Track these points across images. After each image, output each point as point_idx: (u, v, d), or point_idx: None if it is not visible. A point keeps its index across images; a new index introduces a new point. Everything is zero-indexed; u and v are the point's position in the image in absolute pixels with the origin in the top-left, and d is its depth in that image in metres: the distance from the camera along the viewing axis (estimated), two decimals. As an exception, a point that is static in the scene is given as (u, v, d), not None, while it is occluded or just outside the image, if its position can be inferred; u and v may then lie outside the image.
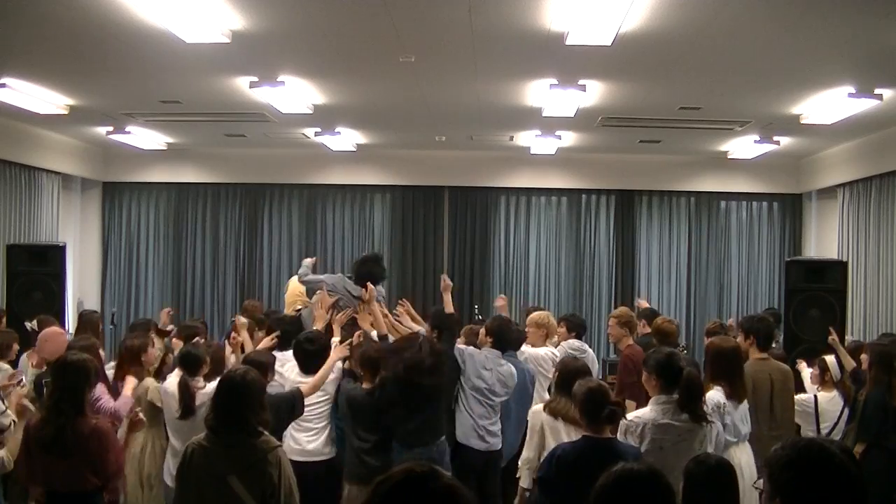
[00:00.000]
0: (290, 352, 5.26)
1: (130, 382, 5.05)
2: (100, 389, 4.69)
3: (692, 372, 4.11)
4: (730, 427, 4.46)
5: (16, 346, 5.79)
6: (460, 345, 5.59)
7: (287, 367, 5.15)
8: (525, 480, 4.42)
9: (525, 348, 6.15)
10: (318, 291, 5.99)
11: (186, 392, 4.66)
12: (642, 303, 8.31)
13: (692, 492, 3.04)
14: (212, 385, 4.45)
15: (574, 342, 6.43)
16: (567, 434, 4.28)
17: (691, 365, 4.61)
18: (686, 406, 3.98)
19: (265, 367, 4.55)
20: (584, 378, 4.08)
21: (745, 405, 4.68)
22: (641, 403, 5.96)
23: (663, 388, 4.05)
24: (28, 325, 6.45)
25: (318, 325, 5.62)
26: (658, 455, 3.86)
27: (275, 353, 5.24)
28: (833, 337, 6.35)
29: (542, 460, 3.94)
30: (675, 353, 4.22)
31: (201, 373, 4.86)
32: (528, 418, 4.68)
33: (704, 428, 4.05)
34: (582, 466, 3.56)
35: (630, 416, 4.07)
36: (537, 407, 4.64)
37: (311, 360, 5.05)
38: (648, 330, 6.62)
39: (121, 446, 4.24)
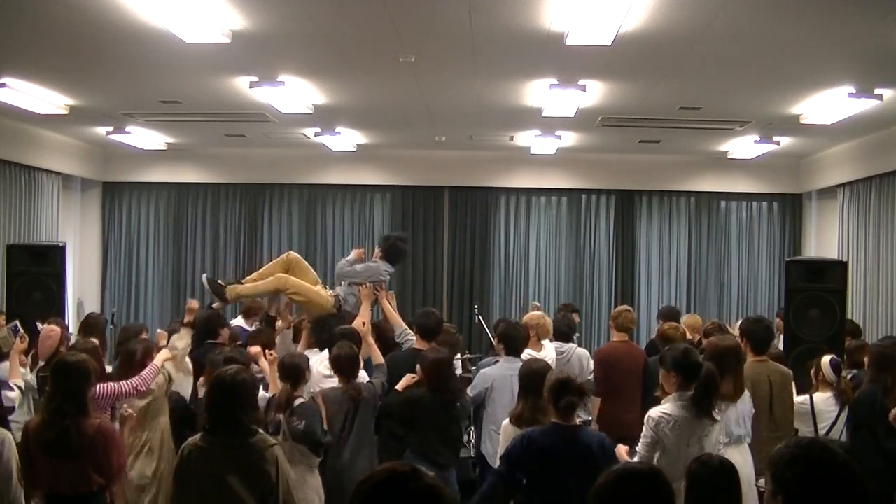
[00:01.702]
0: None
1: (164, 354, 5.14)
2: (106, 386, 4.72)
3: (711, 368, 4.12)
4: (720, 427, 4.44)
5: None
6: (486, 370, 5.54)
7: (314, 359, 5.32)
8: None
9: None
10: (362, 288, 6.10)
11: None
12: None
13: (695, 492, 3.04)
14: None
15: (558, 343, 6.45)
16: None
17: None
18: (699, 401, 3.99)
19: (301, 370, 4.74)
20: (544, 378, 4.10)
21: (742, 407, 4.63)
22: (609, 401, 6.00)
23: (682, 385, 4.06)
24: (39, 325, 6.44)
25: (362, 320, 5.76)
26: (685, 450, 3.92)
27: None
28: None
29: (512, 440, 3.98)
30: (690, 349, 4.23)
31: None
32: (500, 433, 4.65)
33: (719, 425, 4.09)
34: (549, 449, 3.80)
35: (659, 410, 4.07)
36: (506, 422, 4.60)
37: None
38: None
39: (123, 444, 4.23)
